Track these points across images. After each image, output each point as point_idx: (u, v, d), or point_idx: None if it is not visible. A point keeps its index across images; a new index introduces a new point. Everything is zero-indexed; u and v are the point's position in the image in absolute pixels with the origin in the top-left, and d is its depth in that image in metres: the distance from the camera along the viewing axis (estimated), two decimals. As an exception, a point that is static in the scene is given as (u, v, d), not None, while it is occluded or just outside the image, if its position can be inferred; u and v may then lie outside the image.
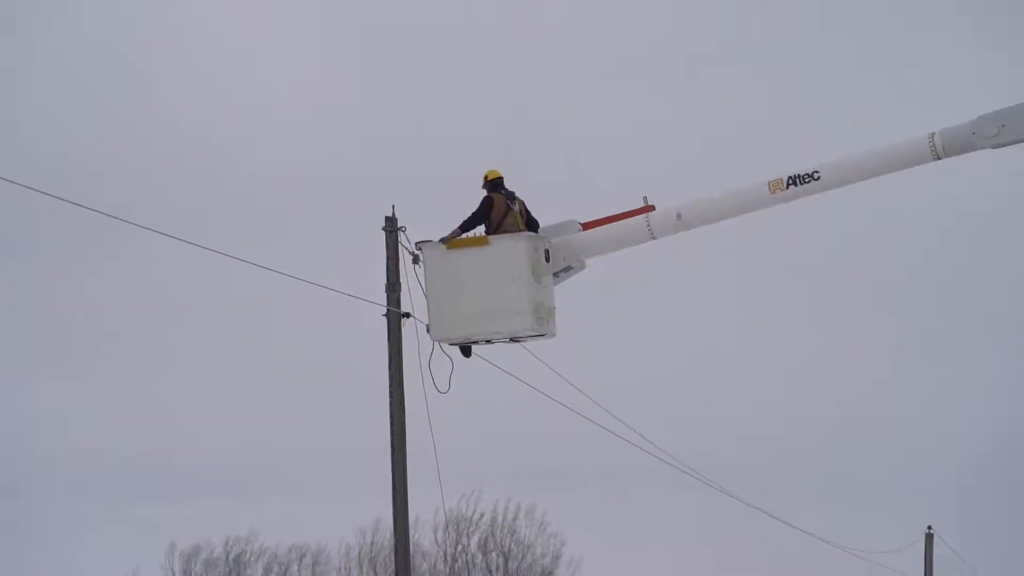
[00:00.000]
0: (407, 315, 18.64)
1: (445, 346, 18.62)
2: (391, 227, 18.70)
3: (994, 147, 16.74)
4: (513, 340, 18.68)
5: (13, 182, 14.83)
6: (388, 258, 18.72)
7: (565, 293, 18.95)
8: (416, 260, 18.61)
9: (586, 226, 18.68)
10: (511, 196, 18.65)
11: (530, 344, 18.93)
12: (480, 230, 18.49)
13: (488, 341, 18.62)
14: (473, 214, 18.46)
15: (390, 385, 18.60)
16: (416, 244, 18.65)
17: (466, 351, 18.78)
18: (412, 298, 18.64)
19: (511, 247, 18.19)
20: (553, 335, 18.60)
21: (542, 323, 18.23)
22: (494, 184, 18.65)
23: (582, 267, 18.94)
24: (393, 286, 18.69)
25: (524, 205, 18.71)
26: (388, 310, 18.62)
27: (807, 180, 17.48)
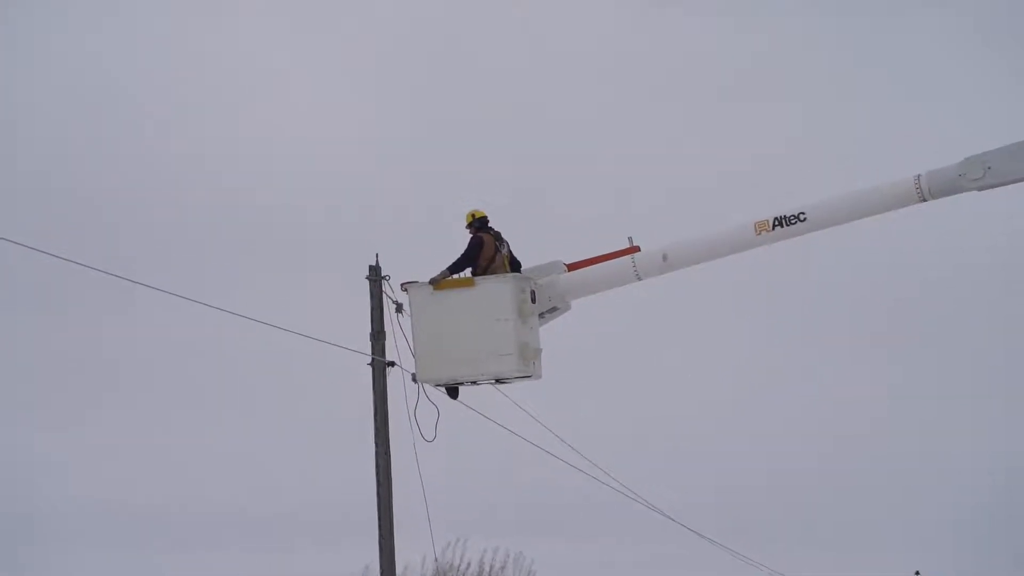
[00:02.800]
0: (392, 364, 18.47)
1: (431, 392, 18.47)
2: (375, 276, 18.58)
3: (979, 189, 16.66)
4: (499, 381, 18.55)
5: (17, 243, 14.81)
6: (372, 307, 18.56)
7: (552, 336, 18.85)
8: (399, 309, 18.50)
9: (571, 267, 18.59)
10: (499, 237, 18.60)
11: (514, 391, 18.81)
12: (467, 271, 18.42)
13: (474, 382, 18.48)
14: (462, 256, 18.36)
15: (375, 435, 18.35)
16: (402, 285, 18.51)
17: (453, 392, 18.63)
18: (397, 346, 18.50)
19: (498, 288, 18.09)
20: (539, 376, 18.46)
21: (528, 364, 18.11)
22: (480, 223, 18.60)
23: (567, 308, 18.83)
24: (377, 335, 18.51)
25: (508, 246, 18.66)
26: (373, 359, 18.45)
27: (793, 221, 17.42)
